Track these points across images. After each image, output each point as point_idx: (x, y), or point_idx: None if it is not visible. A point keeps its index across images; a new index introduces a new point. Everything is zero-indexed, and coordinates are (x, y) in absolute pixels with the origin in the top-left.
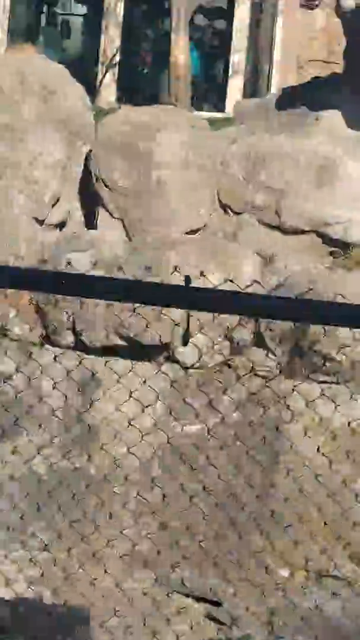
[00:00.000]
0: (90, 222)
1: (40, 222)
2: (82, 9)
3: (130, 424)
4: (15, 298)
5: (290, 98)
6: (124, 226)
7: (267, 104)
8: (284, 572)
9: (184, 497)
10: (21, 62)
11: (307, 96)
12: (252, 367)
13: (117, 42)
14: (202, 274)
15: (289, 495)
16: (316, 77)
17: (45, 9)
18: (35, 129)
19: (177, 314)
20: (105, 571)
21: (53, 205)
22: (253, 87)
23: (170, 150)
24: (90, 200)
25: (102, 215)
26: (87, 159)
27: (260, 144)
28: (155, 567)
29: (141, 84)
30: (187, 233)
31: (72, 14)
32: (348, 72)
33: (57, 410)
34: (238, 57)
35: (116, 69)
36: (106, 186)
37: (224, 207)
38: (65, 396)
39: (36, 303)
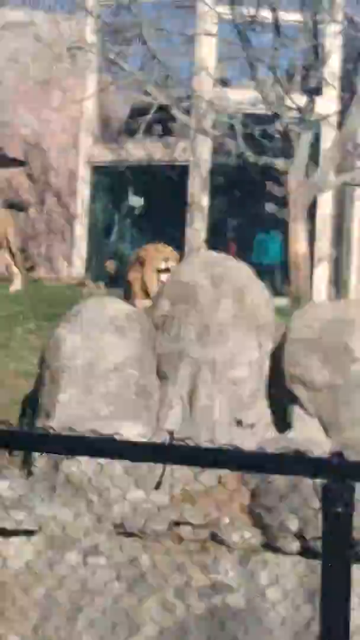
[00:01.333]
0: (279, 420)
1: (238, 423)
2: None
3: None
4: (228, 503)
5: None
6: (321, 424)
7: None
8: None
9: None
10: (212, 263)
11: None
12: None
13: (203, 235)
14: None
15: None
16: None
17: (117, 206)
18: (230, 329)
19: None
20: None
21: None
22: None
23: None
24: (282, 398)
25: (297, 414)
26: (274, 355)
27: None
28: None
29: None
30: None
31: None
32: None
33: (285, 621)
34: (322, 245)
35: None
36: (302, 384)
37: None
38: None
39: (253, 508)
